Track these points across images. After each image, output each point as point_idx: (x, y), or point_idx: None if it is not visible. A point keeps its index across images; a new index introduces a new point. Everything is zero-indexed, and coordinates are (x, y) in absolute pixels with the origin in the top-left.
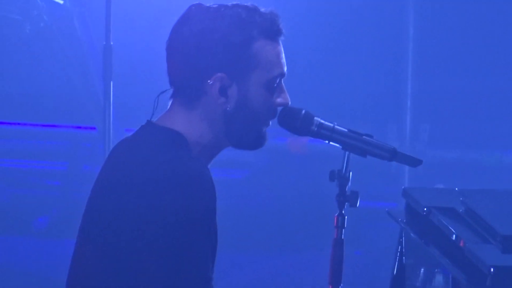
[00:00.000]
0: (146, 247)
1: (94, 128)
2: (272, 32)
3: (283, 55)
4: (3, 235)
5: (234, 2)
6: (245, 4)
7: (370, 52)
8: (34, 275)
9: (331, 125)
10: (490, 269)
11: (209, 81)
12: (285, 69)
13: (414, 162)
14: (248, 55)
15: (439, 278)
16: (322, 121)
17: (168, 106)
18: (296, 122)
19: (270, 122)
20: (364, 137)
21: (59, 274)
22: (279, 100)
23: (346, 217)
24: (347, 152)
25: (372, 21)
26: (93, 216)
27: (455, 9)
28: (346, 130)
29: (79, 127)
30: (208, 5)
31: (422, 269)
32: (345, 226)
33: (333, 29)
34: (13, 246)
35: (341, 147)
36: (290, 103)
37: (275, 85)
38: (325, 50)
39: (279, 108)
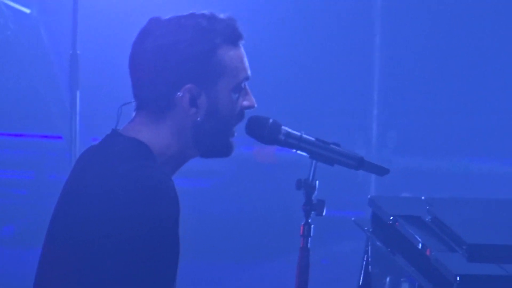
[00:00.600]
0: (110, 257)
1: (61, 137)
2: (233, 37)
3: (246, 58)
4: None
5: (191, 12)
6: (203, 12)
7: (337, 60)
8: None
9: (299, 134)
10: (456, 278)
11: (178, 93)
12: (249, 72)
13: (381, 171)
14: (214, 63)
15: (405, 287)
16: (290, 130)
17: (133, 116)
18: (264, 131)
19: (236, 133)
20: (331, 145)
21: (25, 284)
22: (245, 103)
23: (312, 226)
24: (314, 161)
25: (339, 30)
26: (59, 225)
27: (421, 19)
28: (313, 139)
29: (46, 136)
30: (167, 18)
31: (388, 278)
32: (312, 235)
33: (301, 40)
34: None
35: (308, 156)
36: (256, 105)
37: (241, 88)
38: (292, 60)
39: (247, 112)
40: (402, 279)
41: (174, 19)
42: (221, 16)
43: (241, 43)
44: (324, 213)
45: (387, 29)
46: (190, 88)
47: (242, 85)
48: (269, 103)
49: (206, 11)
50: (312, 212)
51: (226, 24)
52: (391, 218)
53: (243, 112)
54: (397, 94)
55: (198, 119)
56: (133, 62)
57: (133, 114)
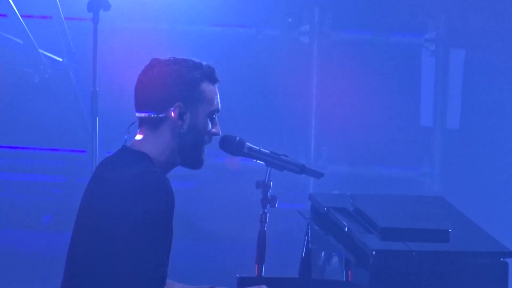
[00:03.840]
0: (121, 235)
1: (85, 151)
2: (212, 77)
3: (219, 96)
4: (19, 230)
5: (182, 57)
6: (190, 58)
7: (282, 93)
8: (41, 260)
9: (258, 148)
10: (372, 252)
11: (171, 108)
12: (220, 107)
13: (317, 174)
14: (198, 91)
15: (335, 259)
16: (251, 145)
17: (137, 134)
18: (232, 146)
19: (206, 150)
20: (281, 156)
21: (62, 258)
22: (214, 130)
23: (267, 214)
24: (269, 168)
25: (282, 71)
26: (83, 215)
27: (350, 55)
28: (268, 151)
29: (73, 151)
30: (164, 58)
31: (323, 253)
32: (267, 221)
33: (253, 77)
34: (26, 238)
35: (264, 164)
36: (220, 133)
37: (213, 117)
38: (254, 94)
39: (215, 137)
40: (333, 253)
41: (170, 59)
42: (204, 63)
43: (217, 85)
44: (276, 205)
45: (323, 80)
46: (179, 105)
47: (214, 115)
48: (236, 126)
49: (193, 58)
50: (268, 205)
51: (208, 67)
52: (325, 208)
53: (211, 136)
54: (329, 120)
55: (182, 130)
56: (138, 88)
57: (137, 132)
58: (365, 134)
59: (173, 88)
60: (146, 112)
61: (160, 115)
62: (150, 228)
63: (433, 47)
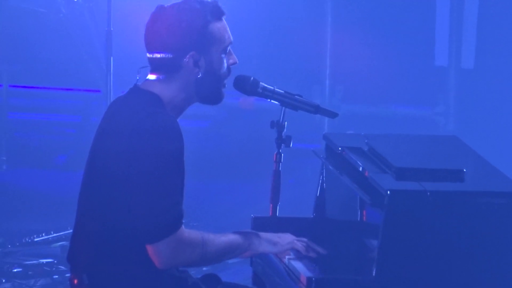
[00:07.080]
0: (131, 177)
1: (99, 91)
2: (218, 14)
3: (228, 28)
4: (34, 169)
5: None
6: None
7: (297, 33)
8: (56, 199)
9: (272, 88)
10: (387, 192)
11: (185, 59)
12: (232, 38)
13: (332, 114)
14: (207, 34)
15: (350, 199)
16: (265, 85)
17: (148, 76)
18: (247, 86)
19: (226, 85)
20: (296, 96)
21: (76, 197)
22: (231, 61)
23: (282, 154)
24: (283, 108)
25: (298, 12)
26: (95, 154)
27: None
28: (283, 91)
29: (88, 90)
30: (169, 5)
31: (338, 192)
32: (282, 161)
33: (271, 18)
34: (41, 177)
35: (279, 104)
36: (237, 62)
37: (227, 51)
38: (268, 33)
39: (234, 72)
40: (347, 193)
41: (175, 5)
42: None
43: (224, 17)
44: (291, 145)
45: (337, 17)
46: (193, 54)
47: (228, 48)
48: (252, 66)
49: None
50: (282, 145)
51: (212, 5)
52: (340, 148)
53: (230, 68)
54: (344, 59)
55: (199, 75)
56: (148, 39)
57: (148, 74)
58: (380, 73)
59: (183, 39)
60: (160, 63)
61: (174, 66)
62: (162, 168)
63: None
